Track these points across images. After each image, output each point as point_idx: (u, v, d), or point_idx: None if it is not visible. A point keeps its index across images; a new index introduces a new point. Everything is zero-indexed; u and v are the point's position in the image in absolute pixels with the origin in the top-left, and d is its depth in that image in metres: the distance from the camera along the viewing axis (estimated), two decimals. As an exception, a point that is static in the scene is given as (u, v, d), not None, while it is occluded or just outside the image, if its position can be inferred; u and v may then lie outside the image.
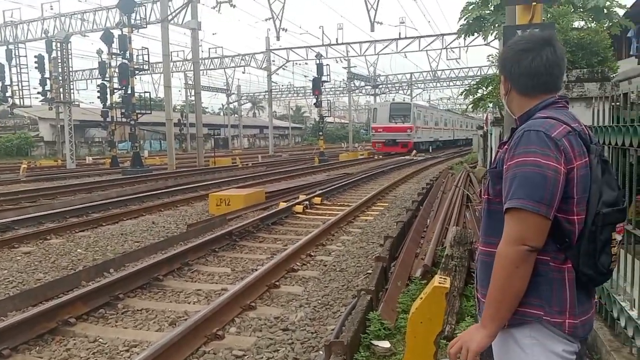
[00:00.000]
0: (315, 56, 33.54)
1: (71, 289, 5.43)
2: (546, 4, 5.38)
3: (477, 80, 21.39)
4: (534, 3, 4.34)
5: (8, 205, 11.72)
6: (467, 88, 16.24)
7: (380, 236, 7.81)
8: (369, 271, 5.84)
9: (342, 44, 35.72)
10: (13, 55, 29.92)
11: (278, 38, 26.41)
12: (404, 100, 46.20)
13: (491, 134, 14.42)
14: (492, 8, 12.17)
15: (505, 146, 1.58)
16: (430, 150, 40.75)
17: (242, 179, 17.50)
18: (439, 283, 3.27)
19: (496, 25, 11.97)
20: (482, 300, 1.60)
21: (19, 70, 30.39)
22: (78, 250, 7.43)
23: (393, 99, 46.92)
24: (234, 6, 23.76)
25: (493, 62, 15.88)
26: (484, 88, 14.17)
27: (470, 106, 16.48)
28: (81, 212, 10.55)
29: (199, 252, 6.85)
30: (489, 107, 15.12)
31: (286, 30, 28.78)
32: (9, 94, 30.72)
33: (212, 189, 13.93)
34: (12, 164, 27.46)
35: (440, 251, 5.95)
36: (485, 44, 20.29)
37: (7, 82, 30.25)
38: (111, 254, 7.16)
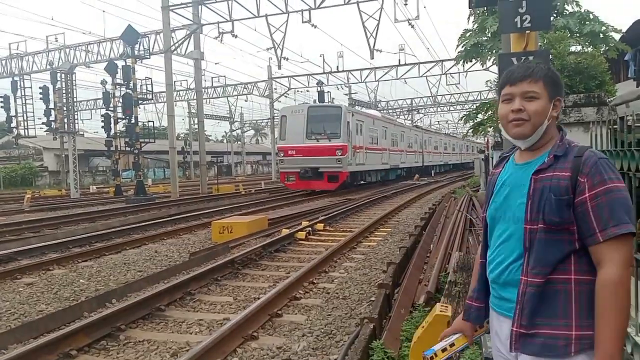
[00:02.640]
0: (317, 83, 33.93)
1: (73, 320, 5.41)
2: (540, 31, 5.48)
3: (476, 105, 21.58)
4: (528, 31, 4.42)
5: (11, 236, 11.73)
6: (467, 113, 16.37)
7: (383, 262, 7.79)
8: (372, 298, 5.80)
9: (343, 71, 36.10)
10: (18, 87, 30.37)
11: (279, 67, 26.66)
12: (332, 102, 30.49)
13: (492, 158, 14.46)
14: (489, 35, 12.35)
15: (564, 173, 1.57)
16: (433, 174, 40.12)
17: (245, 206, 17.52)
18: (441, 311, 3.26)
19: (494, 51, 12.13)
20: (540, 332, 1.57)
21: (24, 101, 30.79)
22: (81, 280, 7.42)
23: (314, 101, 27.76)
24: (236, 36, 24.09)
25: (492, 88, 16.03)
26: (483, 113, 14.26)
27: (470, 130, 16.58)
28: (84, 242, 10.55)
29: (201, 281, 6.82)
30: (488, 131, 15.19)
31: (287, 59, 29.12)
32: (14, 124, 31.09)
33: (215, 217, 13.95)
34: (16, 194, 27.58)
35: (444, 277, 5.92)
36: (484, 69, 20.50)
37: (12, 113, 30.64)
38: (113, 284, 7.14)
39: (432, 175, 40.21)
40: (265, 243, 9.14)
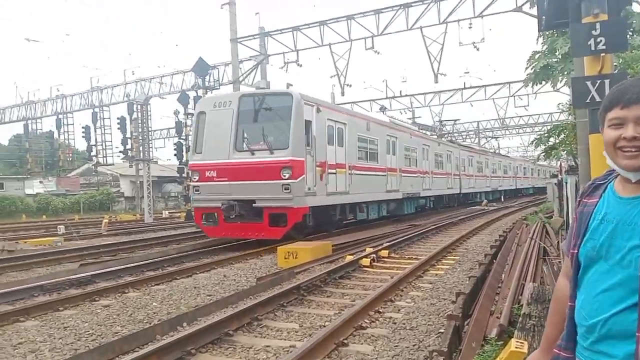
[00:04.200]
0: (380, 109, 33.96)
1: (146, 343, 5.60)
2: (616, 52, 5.25)
3: (548, 127, 20.78)
4: (603, 54, 4.24)
5: (90, 259, 12.41)
6: (538, 137, 15.81)
7: (452, 292, 7.56)
8: (441, 330, 5.63)
9: (406, 95, 36.03)
10: (98, 118, 32.67)
11: (343, 94, 26.97)
12: (286, 89, 15.10)
13: (566, 183, 13.86)
14: (559, 56, 11.95)
15: None
16: (496, 199, 37.79)
17: (310, 231, 17.60)
18: (516, 347, 3.13)
19: (565, 73, 11.72)
20: None
21: (103, 131, 33.14)
22: (154, 303, 7.70)
23: (258, 87, 15.41)
24: (300, 65, 24.72)
25: (564, 110, 15.43)
26: (555, 136, 13.73)
27: (541, 154, 15.98)
28: (157, 266, 10.98)
29: (268, 306, 6.90)
30: (562, 155, 14.58)
31: (351, 85, 29.38)
32: (93, 153, 33.38)
33: (280, 242, 14.11)
34: (95, 219, 29.21)
35: (517, 309, 5.67)
36: (555, 91, 19.79)
37: (92, 142, 32.94)
38: (184, 308, 7.36)
39: (502, 200, 38.79)
40: (329, 269, 9.14)
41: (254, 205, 13.02)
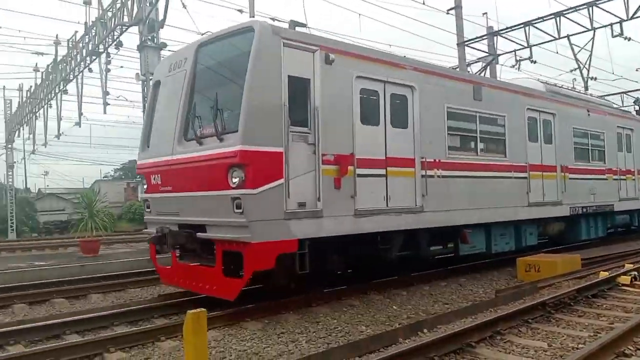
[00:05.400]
0: (634, 102, 29.57)
1: (390, 345, 5.88)
2: None
3: None
4: None
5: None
6: None
7: None
8: None
9: (669, 84, 30.48)
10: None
11: (586, 88, 24.13)
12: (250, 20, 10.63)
13: None
14: None
15: None
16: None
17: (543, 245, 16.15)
18: None
19: None
20: None
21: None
22: (393, 306, 8.06)
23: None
24: (534, 62, 22.97)
25: None
26: None
27: None
28: (399, 272, 10.81)
29: (510, 321, 6.58)
30: None
31: (595, 78, 26.14)
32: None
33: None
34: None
35: None
36: None
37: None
38: (423, 314, 7.52)
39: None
40: (580, 286, 8.28)
41: (199, 234, 7.53)
